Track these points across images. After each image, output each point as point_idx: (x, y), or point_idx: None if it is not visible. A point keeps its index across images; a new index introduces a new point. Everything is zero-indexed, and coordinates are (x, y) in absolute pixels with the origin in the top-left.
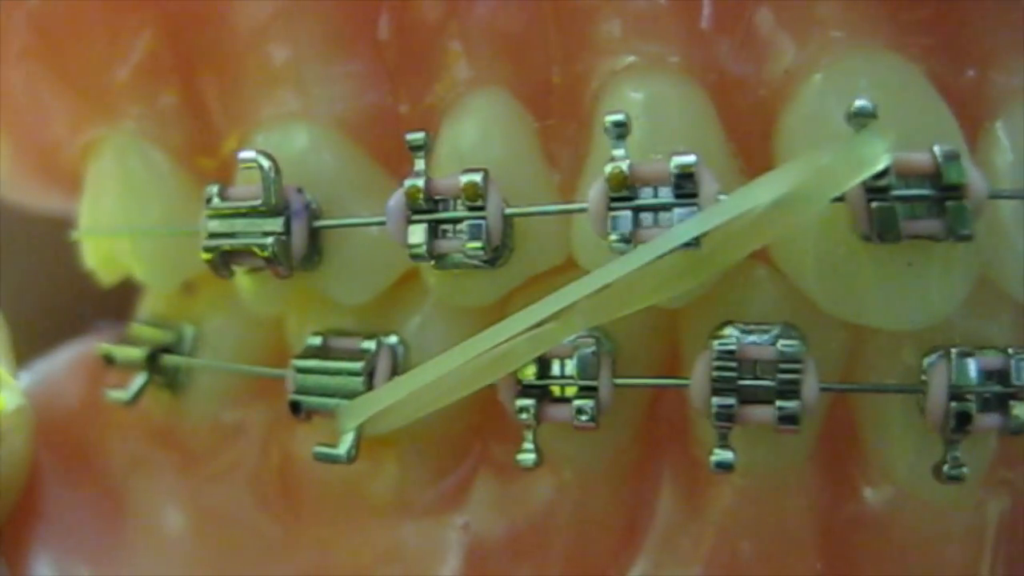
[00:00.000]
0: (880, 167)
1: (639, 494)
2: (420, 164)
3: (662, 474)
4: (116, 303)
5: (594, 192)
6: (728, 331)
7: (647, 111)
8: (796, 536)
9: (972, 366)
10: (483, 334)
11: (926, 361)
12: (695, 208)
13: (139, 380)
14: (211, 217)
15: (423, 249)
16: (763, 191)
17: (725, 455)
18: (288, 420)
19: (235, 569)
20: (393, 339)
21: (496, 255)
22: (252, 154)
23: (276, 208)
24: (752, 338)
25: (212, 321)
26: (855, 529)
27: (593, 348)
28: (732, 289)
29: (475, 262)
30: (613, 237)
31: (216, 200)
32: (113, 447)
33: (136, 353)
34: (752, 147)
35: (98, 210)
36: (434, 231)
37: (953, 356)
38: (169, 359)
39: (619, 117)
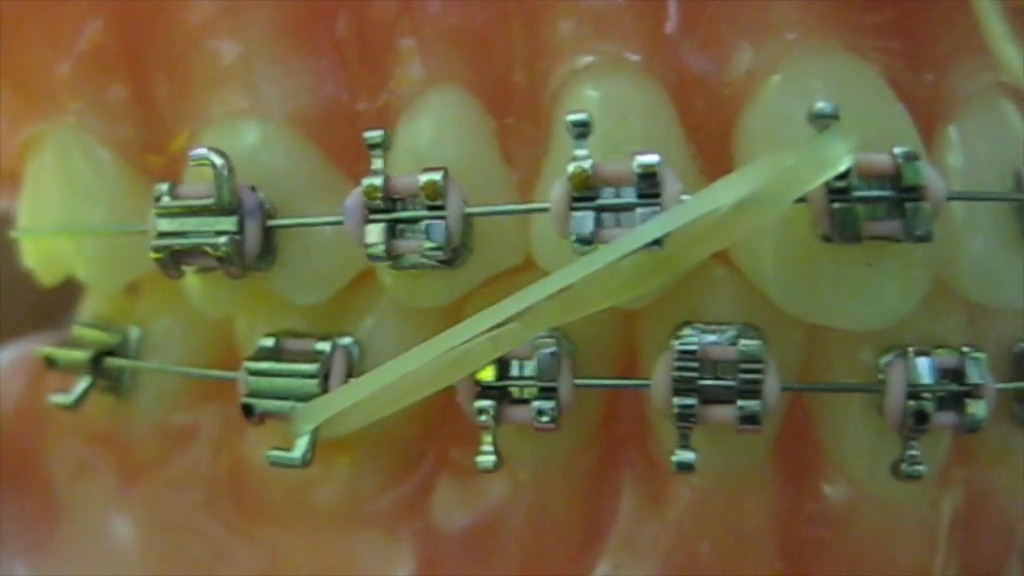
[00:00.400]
0: (842, 168)
1: (599, 495)
2: (378, 163)
3: (622, 475)
4: (52, 305)
5: (556, 192)
6: (688, 331)
7: (606, 110)
8: (756, 535)
9: (928, 365)
10: (442, 335)
11: (883, 361)
12: (658, 208)
13: (82, 383)
14: (160, 216)
15: (381, 249)
16: (726, 192)
17: (686, 455)
18: (238, 423)
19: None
20: (347, 340)
21: (455, 255)
22: (204, 151)
23: (229, 207)
24: (712, 338)
25: (158, 322)
26: (814, 527)
27: (553, 349)
28: (691, 289)
29: (433, 262)
30: (575, 237)
31: (166, 199)
32: (55, 452)
33: (79, 356)
34: (712, 147)
35: (39, 208)
36: (392, 231)
37: (910, 355)
38: (114, 362)
39: (580, 116)
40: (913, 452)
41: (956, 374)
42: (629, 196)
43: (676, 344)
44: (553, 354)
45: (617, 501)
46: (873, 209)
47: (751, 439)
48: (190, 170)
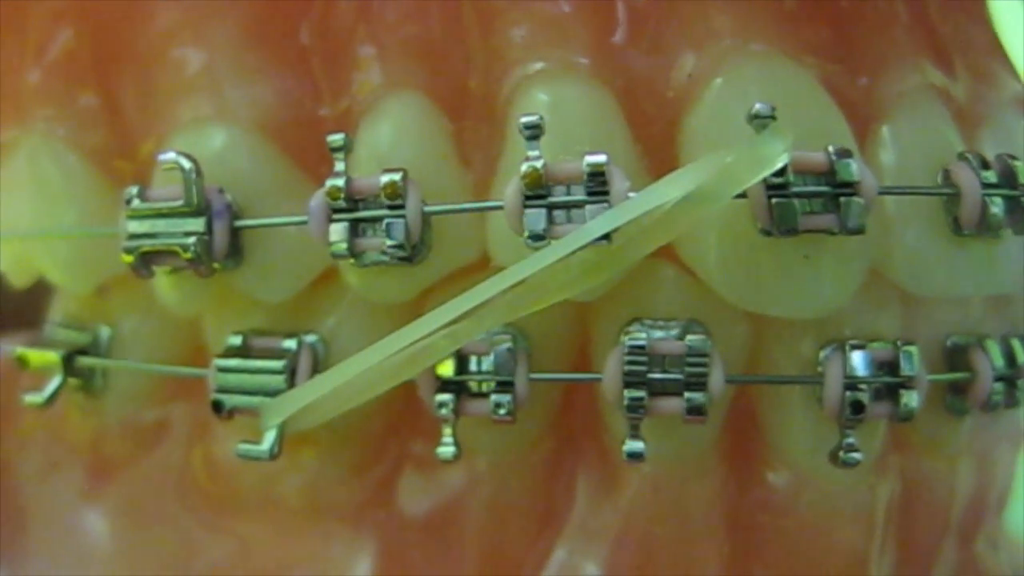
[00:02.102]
0: (779, 165)
1: (554, 483)
2: (340, 165)
3: (576, 464)
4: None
5: (510, 190)
6: (636, 327)
7: (556, 114)
8: (704, 519)
9: (864, 358)
10: (401, 331)
11: (822, 354)
12: (606, 205)
13: (54, 382)
14: (131, 218)
15: (344, 248)
16: (670, 188)
17: (636, 445)
18: (206, 420)
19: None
20: (313, 338)
21: (415, 253)
22: (173, 155)
23: (197, 208)
24: (660, 334)
25: (128, 322)
26: (758, 512)
27: (509, 345)
28: (639, 287)
29: (394, 260)
30: (527, 234)
31: (136, 201)
32: (24, 452)
33: (52, 356)
34: (658, 148)
35: (10, 213)
36: (355, 230)
37: (847, 349)
38: (86, 361)
39: (532, 119)
40: (850, 440)
41: (891, 367)
42: (579, 194)
43: (626, 340)
44: (509, 350)
45: (572, 489)
46: (809, 204)
47: (698, 429)
48: (159, 175)
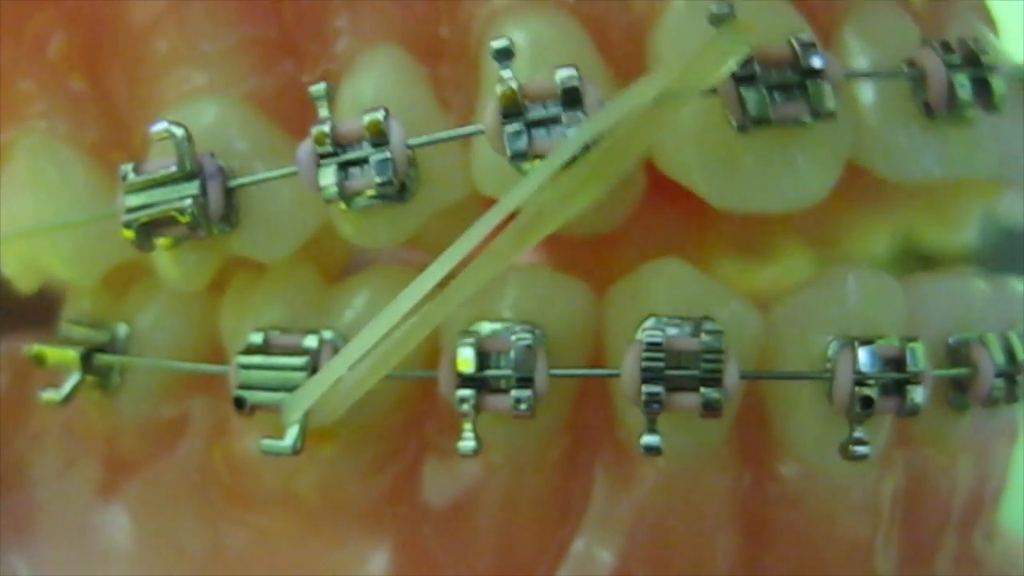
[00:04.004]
0: (742, 54)
1: (572, 478)
2: (324, 111)
3: (594, 458)
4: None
5: (488, 111)
6: (652, 324)
7: (527, 44)
8: (716, 511)
9: (873, 355)
10: (408, 289)
11: (831, 351)
12: (582, 116)
13: (72, 380)
14: (128, 192)
15: (335, 190)
16: (643, 91)
17: (653, 439)
18: (223, 416)
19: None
20: (331, 334)
21: (403, 191)
22: (164, 125)
23: (191, 173)
24: (675, 331)
25: (144, 319)
26: (768, 505)
27: (529, 341)
28: (652, 283)
29: (384, 198)
30: (510, 153)
31: (131, 175)
32: (36, 449)
33: (70, 354)
34: (627, 71)
35: (12, 215)
36: (344, 174)
37: (855, 345)
38: (105, 358)
39: (502, 43)
40: (859, 435)
41: (896, 363)
42: (556, 112)
43: (643, 336)
44: (529, 346)
45: (589, 483)
46: (778, 94)
47: (712, 424)
48: (152, 151)
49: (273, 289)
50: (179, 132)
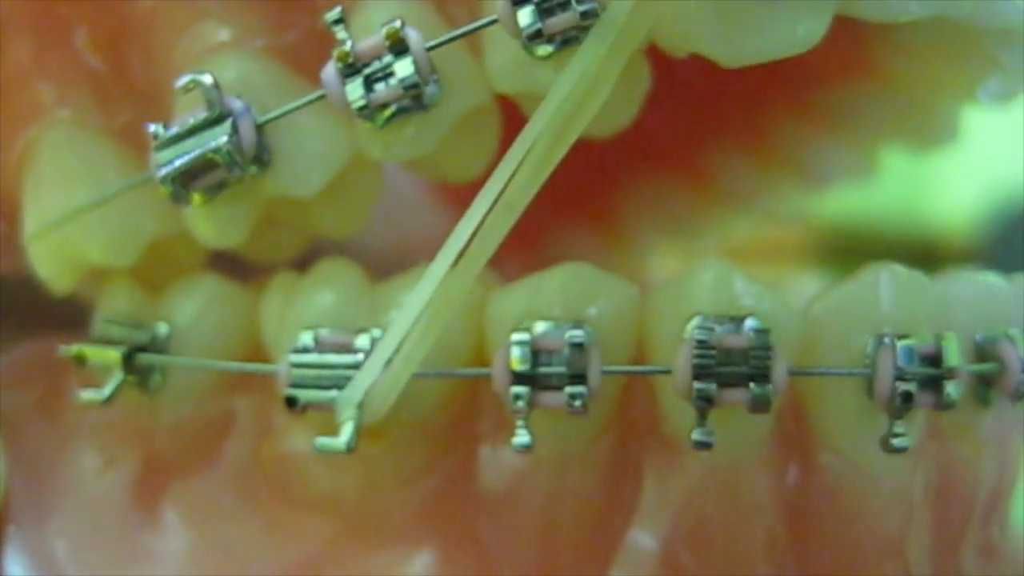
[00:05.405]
0: None
1: (621, 473)
2: (342, 34)
3: (642, 453)
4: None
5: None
6: (700, 322)
7: None
8: (758, 502)
9: (909, 351)
10: (450, 239)
11: (869, 347)
12: None
13: (115, 380)
14: (159, 149)
15: (363, 102)
16: None
17: (704, 434)
18: (265, 415)
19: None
20: (380, 332)
21: (424, 100)
22: (190, 76)
23: (221, 116)
24: (722, 328)
25: (181, 317)
26: (808, 495)
27: (582, 339)
28: (695, 283)
29: (410, 102)
30: (525, 35)
31: (160, 132)
32: (68, 449)
33: (112, 353)
34: None
35: (42, 212)
36: (368, 87)
37: (895, 343)
38: (147, 358)
39: None
40: (899, 429)
41: (932, 359)
42: None
43: (693, 334)
44: (582, 344)
45: (638, 478)
46: None
47: (756, 418)
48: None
49: (318, 287)
50: (207, 79)
